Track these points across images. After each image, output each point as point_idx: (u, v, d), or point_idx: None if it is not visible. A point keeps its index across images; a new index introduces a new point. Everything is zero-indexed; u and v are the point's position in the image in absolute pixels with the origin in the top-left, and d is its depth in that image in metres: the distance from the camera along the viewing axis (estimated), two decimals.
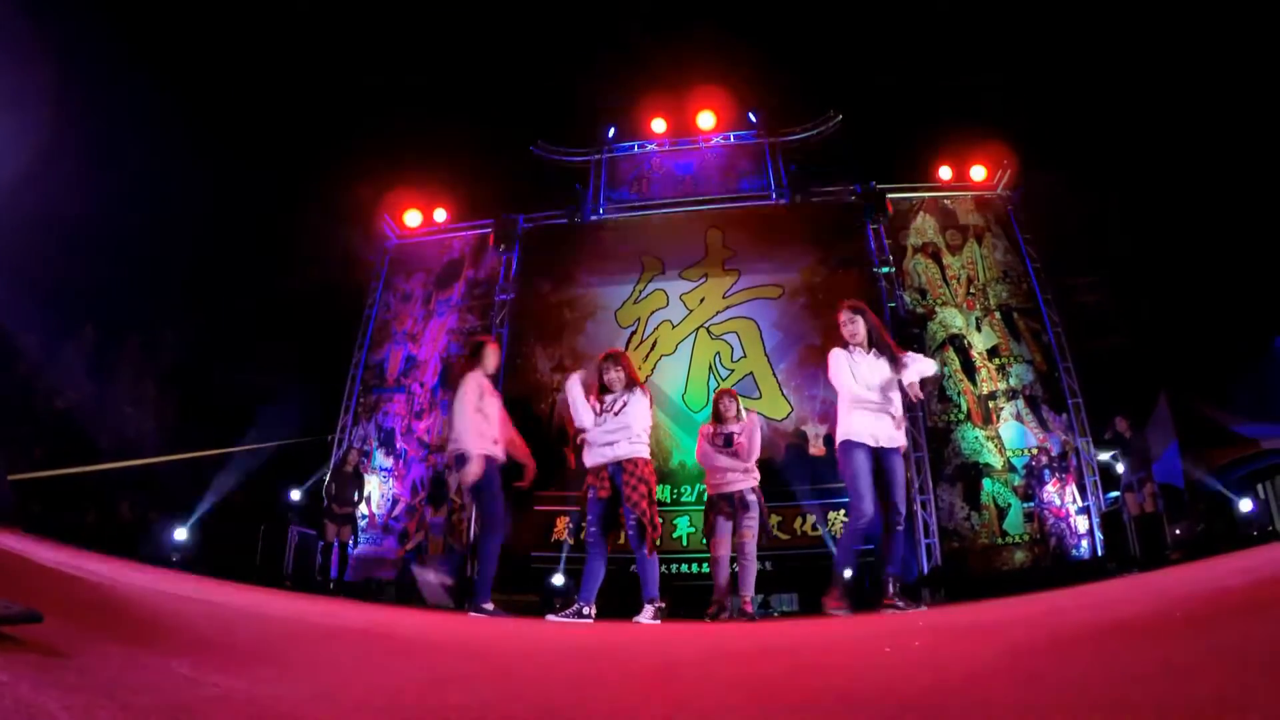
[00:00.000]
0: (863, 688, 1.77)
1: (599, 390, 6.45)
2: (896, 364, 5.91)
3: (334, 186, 14.88)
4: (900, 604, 5.67)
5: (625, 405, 6.15)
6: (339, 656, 2.48)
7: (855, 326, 6.00)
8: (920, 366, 5.90)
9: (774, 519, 10.86)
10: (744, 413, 7.43)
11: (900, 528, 5.77)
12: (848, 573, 5.88)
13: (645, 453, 6.16)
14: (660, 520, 6.14)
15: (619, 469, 6.04)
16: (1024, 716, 1.29)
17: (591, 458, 6.22)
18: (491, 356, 6.92)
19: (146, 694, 1.38)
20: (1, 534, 4.45)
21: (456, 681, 2.03)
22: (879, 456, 5.80)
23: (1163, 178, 13.02)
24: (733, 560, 7.07)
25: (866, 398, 5.83)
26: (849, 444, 5.79)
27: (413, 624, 4.67)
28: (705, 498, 7.26)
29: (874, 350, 5.97)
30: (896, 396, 5.92)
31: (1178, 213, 13.12)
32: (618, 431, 6.10)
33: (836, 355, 6.00)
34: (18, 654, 1.45)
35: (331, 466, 12.21)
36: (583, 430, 6.75)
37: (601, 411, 6.25)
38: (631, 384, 6.31)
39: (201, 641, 2.34)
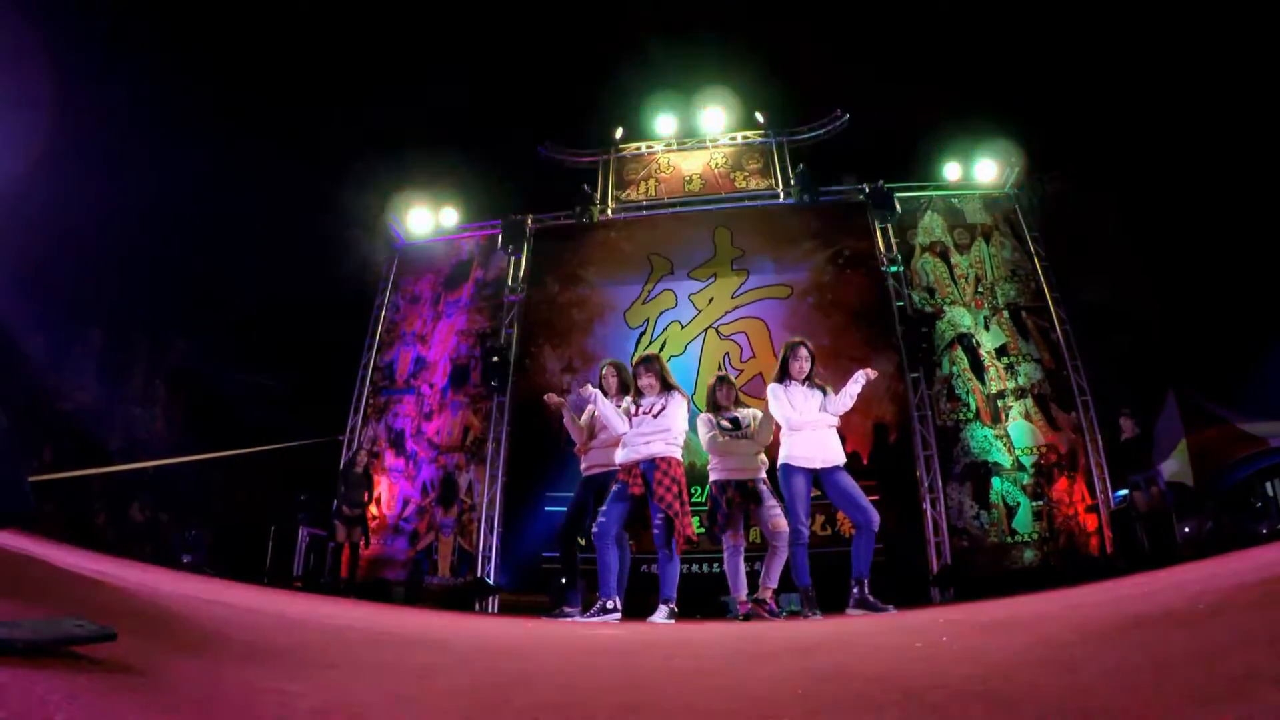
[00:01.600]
0: (910, 680, 1.79)
1: (634, 393, 6.54)
2: (825, 394, 6.52)
3: (342, 189, 14.90)
4: (873, 603, 6.00)
5: (665, 408, 6.24)
6: (395, 661, 2.50)
7: (806, 365, 6.57)
8: (843, 398, 6.45)
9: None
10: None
11: (873, 529, 6.15)
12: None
13: (679, 454, 6.22)
14: (692, 530, 6.14)
15: (652, 466, 6.08)
16: (1073, 701, 1.32)
17: (624, 455, 6.26)
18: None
19: (243, 711, 1.40)
20: (22, 539, 4.48)
21: (514, 686, 2.05)
22: (823, 478, 6.34)
23: (1172, 175, 13.01)
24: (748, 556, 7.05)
25: (806, 422, 6.35)
26: (789, 468, 6.35)
27: (444, 627, 4.71)
28: (708, 490, 7.05)
29: (807, 382, 6.55)
30: (830, 415, 6.48)
31: (1187, 210, 13.11)
32: (656, 433, 6.15)
33: (774, 390, 6.55)
34: (103, 675, 1.43)
35: (342, 468, 12.23)
36: (580, 443, 6.98)
37: (638, 413, 6.30)
38: (669, 387, 6.39)
39: (257, 650, 2.34)
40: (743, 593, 6.77)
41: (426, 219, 15.10)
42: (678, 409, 6.29)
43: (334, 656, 2.50)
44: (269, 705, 1.45)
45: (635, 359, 6.66)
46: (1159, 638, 1.98)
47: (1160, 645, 1.80)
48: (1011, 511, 11.76)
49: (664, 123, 15.05)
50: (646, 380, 6.41)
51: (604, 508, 6.30)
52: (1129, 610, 2.95)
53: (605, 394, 6.79)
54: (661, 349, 13.25)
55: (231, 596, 4.56)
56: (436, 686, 1.92)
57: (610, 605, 6.07)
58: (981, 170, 13.83)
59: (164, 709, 1.31)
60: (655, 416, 6.23)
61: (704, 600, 10.35)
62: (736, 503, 6.75)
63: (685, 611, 6.66)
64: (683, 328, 13.57)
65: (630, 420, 6.33)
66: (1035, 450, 12.05)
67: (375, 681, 1.93)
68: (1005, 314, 12.97)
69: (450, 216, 15.13)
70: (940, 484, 12.01)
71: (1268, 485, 11.05)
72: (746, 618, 6.52)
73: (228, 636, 2.59)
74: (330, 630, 3.51)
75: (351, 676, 2.00)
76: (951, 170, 14.01)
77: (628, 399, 6.61)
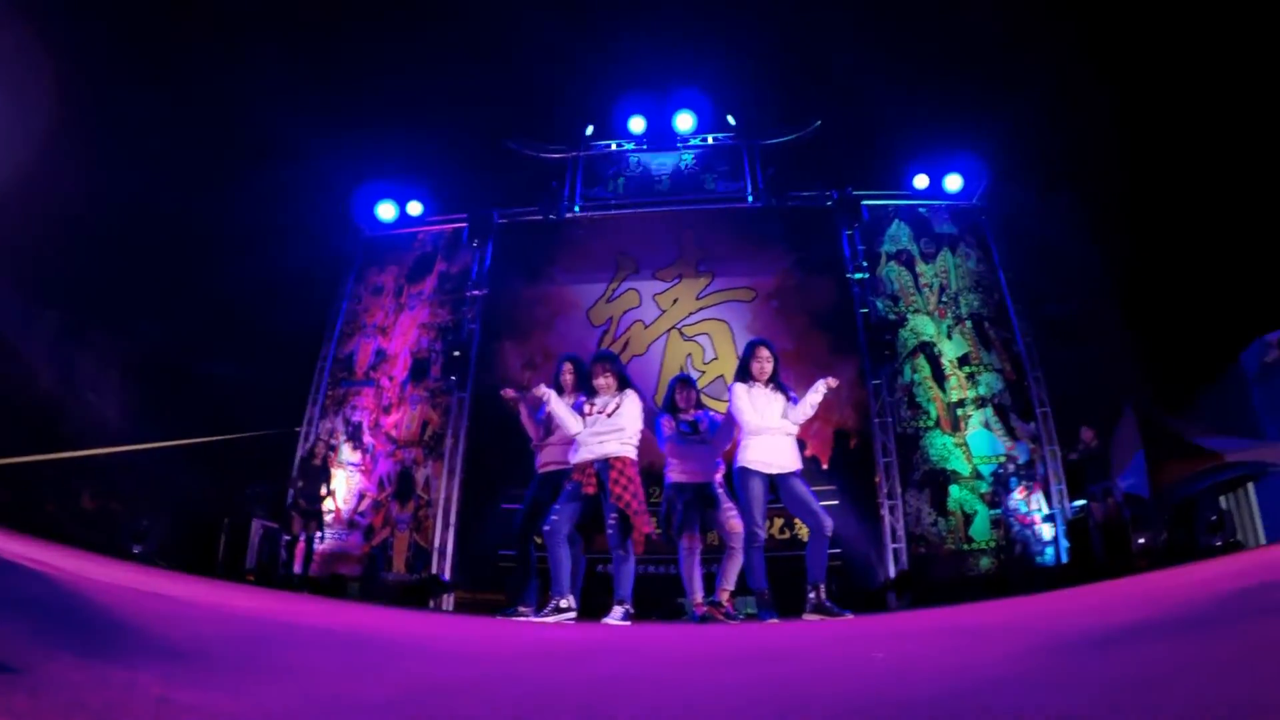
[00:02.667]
0: (881, 694, 1.72)
1: (587, 392, 6.46)
2: (788, 399, 6.46)
3: (309, 176, 14.70)
4: (830, 608, 6.00)
5: (619, 407, 6.17)
6: (320, 663, 2.38)
7: (768, 365, 6.49)
8: (803, 408, 6.39)
9: None
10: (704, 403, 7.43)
11: (826, 534, 6.11)
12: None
13: (634, 454, 6.16)
14: (652, 527, 6.09)
15: (606, 466, 6.01)
16: None
17: (578, 455, 6.18)
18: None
19: None
20: None
21: (447, 694, 1.94)
22: (778, 483, 6.29)
23: (1136, 194, 13.17)
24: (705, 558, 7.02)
25: (765, 427, 6.29)
26: (745, 471, 6.27)
27: (387, 624, 4.61)
28: (666, 491, 6.98)
29: (771, 385, 6.47)
30: (790, 423, 6.42)
31: (1149, 229, 13.27)
32: (610, 432, 6.08)
33: (738, 390, 6.46)
34: None
35: (298, 460, 12.03)
36: (539, 440, 6.91)
37: (592, 412, 6.23)
38: (625, 386, 6.32)
39: (170, 648, 2.20)
40: (698, 595, 6.73)
41: (392, 209, 14.92)
42: (633, 408, 6.22)
43: (255, 658, 2.35)
44: (144, 715, 1.30)
45: (592, 358, 6.60)
46: (1141, 651, 1.93)
47: (1147, 660, 1.74)
48: (969, 519, 11.85)
49: (635, 122, 15.00)
50: (602, 379, 6.34)
51: (556, 506, 6.23)
52: (1096, 621, 2.92)
53: (562, 391, 6.76)
54: (624, 348, 13.22)
55: (170, 589, 4.42)
56: (353, 691, 1.79)
57: (564, 604, 5.99)
58: (950, 181, 13.94)
59: (16, 716, 1.17)
60: (610, 415, 6.16)
61: (660, 601, 10.30)
62: (692, 506, 6.72)
63: (641, 613, 6.61)
64: (646, 327, 13.54)
65: (584, 419, 6.26)
66: (994, 459, 12.14)
67: (284, 687, 1.75)
68: (968, 324, 13.07)
69: (416, 207, 14.97)
70: (899, 490, 12.08)
71: (1222, 499, 11.20)
72: (703, 620, 6.47)
73: (139, 630, 2.42)
74: (264, 628, 3.37)
75: (259, 680, 1.81)
76: (920, 180, 14.10)
77: (581, 397, 6.54)
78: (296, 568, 10.99)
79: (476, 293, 14.04)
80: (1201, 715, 1.18)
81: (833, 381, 6.43)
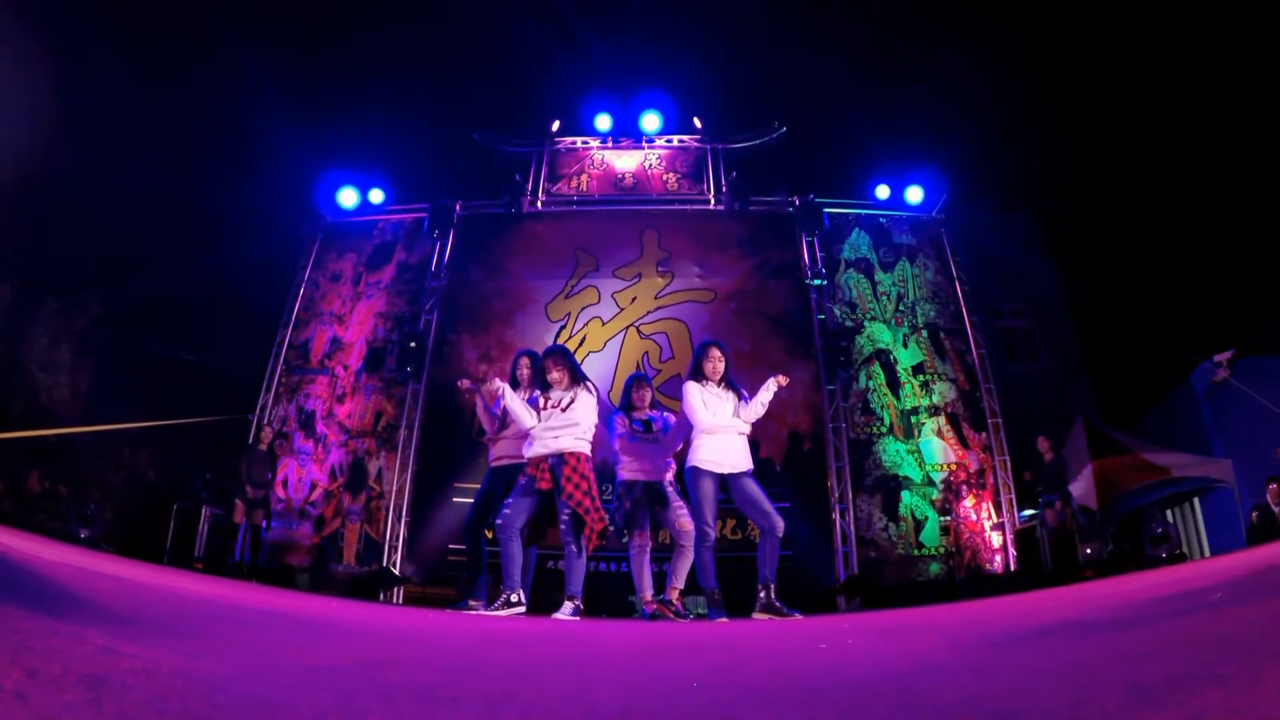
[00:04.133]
0: (818, 679, 1.74)
1: (542, 386, 6.43)
2: (740, 399, 6.44)
3: (272, 160, 14.55)
4: (779, 608, 5.97)
5: (574, 401, 6.15)
6: (265, 636, 2.38)
7: (720, 365, 6.49)
8: (754, 407, 6.39)
9: None
10: (658, 403, 7.44)
11: (777, 534, 6.11)
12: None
13: (588, 449, 6.15)
14: (605, 522, 6.06)
15: (560, 461, 5.99)
16: (989, 703, 1.27)
17: (532, 449, 6.16)
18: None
19: (58, 661, 1.27)
20: None
21: (394, 664, 1.95)
22: (730, 483, 6.29)
23: (1091, 215, 13.39)
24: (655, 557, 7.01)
25: (718, 426, 6.28)
26: (697, 470, 6.26)
27: (334, 610, 4.58)
28: (617, 488, 6.98)
29: (723, 384, 6.46)
30: (742, 422, 6.41)
31: (1103, 248, 13.50)
32: (564, 427, 6.07)
33: (691, 388, 6.44)
34: None
35: (248, 446, 11.87)
36: (494, 433, 6.87)
37: (546, 406, 6.21)
38: (578, 380, 6.30)
39: (116, 615, 2.21)
40: (648, 593, 6.72)
41: (354, 195, 14.72)
42: (587, 403, 6.21)
43: (199, 628, 2.37)
44: (87, 658, 1.34)
45: (544, 352, 6.57)
46: (1069, 644, 1.97)
47: (1072, 651, 1.78)
48: (919, 525, 11.97)
49: (601, 119, 14.99)
50: (555, 374, 6.32)
51: (509, 500, 6.21)
52: (1033, 621, 2.96)
53: (518, 385, 6.74)
54: (581, 344, 13.19)
55: (116, 570, 4.37)
56: (293, 660, 1.80)
57: (514, 599, 5.97)
58: (911, 193, 14.08)
59: None
60: (564, 410, 6.14)
61: (611, 599, 10.29)
62: (641, 504, 6.71)
63: (591, 609, 6.60)
64: (603, 324, 13.51)
65: (539, 414, 6.24)
66: (945, 467, 12.27)
67: (225, 653, 1.82)
68: (924, 333, 13.20)
69: (378, 195, 14.80)
70: (851, 495, 12.16)
71: (1168, 513, 11.40)
72: (653, 617, 6.47)
73: (84, 600, 2.43)
74: (209, 606, 3.37)
75: (203, 646, 1.86)
76: (881, 191, 14.23)
77: (536, 392, 6.52)
78: (244, 556, 10.85)
79: (435, 284, 13.92)
80: (1103, 691, 1.21)
81: (783, 380, 6.45)
